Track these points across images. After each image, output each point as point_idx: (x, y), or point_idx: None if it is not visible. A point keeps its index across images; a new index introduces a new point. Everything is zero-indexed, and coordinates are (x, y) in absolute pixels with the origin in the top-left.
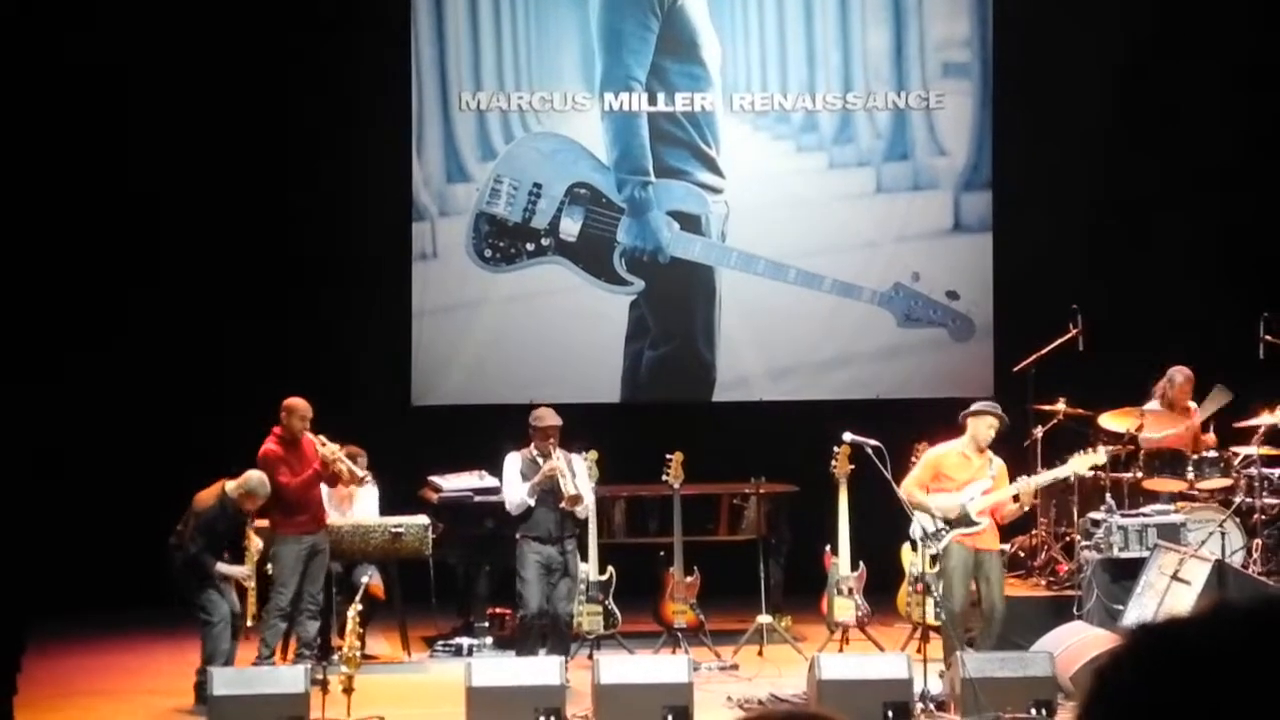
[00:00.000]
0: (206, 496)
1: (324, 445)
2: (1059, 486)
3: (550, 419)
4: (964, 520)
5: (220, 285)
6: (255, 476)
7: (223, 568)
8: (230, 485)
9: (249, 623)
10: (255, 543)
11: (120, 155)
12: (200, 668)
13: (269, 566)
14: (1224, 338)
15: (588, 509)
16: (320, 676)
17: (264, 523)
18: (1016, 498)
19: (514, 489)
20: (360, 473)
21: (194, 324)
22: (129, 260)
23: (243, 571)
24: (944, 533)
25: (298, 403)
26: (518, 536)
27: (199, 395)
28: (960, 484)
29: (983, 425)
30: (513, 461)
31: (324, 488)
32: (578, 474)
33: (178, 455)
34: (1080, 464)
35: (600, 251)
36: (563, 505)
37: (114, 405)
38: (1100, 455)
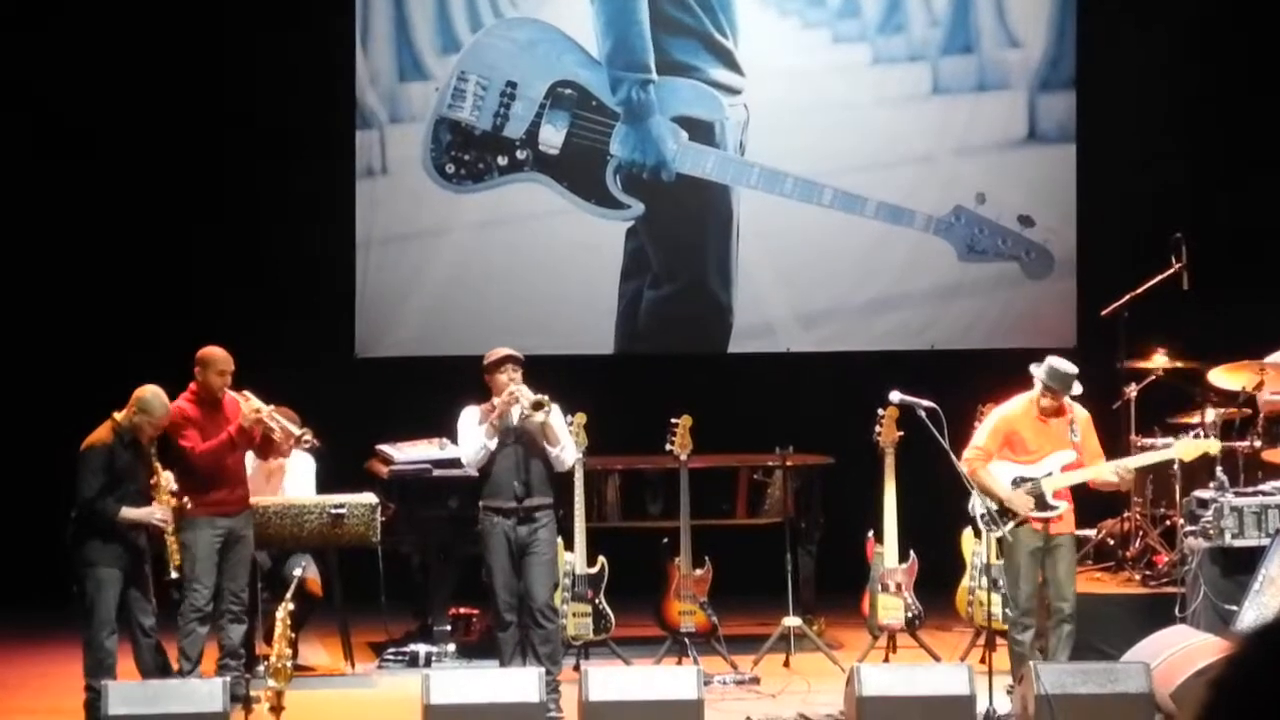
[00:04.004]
0: (95, 435)
1: (248, 401)
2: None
3: (504, 350)
4: (1038, 503)
5: (119, 209)
6: (148, 391)
7: (129, 513)
8: (120, 413)
9: (172, 574)
10: (165, 479)
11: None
12: (86, 683)
13: (175, 556)
14: None
15: (565, 453)
16: (243, 692)
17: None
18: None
19: (470, 439)
20: (297, 430)
21: (78, 252)
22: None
23: (156, 513)
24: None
25: (214, 353)
26: (479, 506)
27: (95, 346)
28: (1038, 454)
29: (1051, 396)
30: (470, 415)
31: (250, 459)
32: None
33: (70, 418)
34: (1186, 449)
35: (590, 167)
36: (525, 415)
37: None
38: (1213, 444)
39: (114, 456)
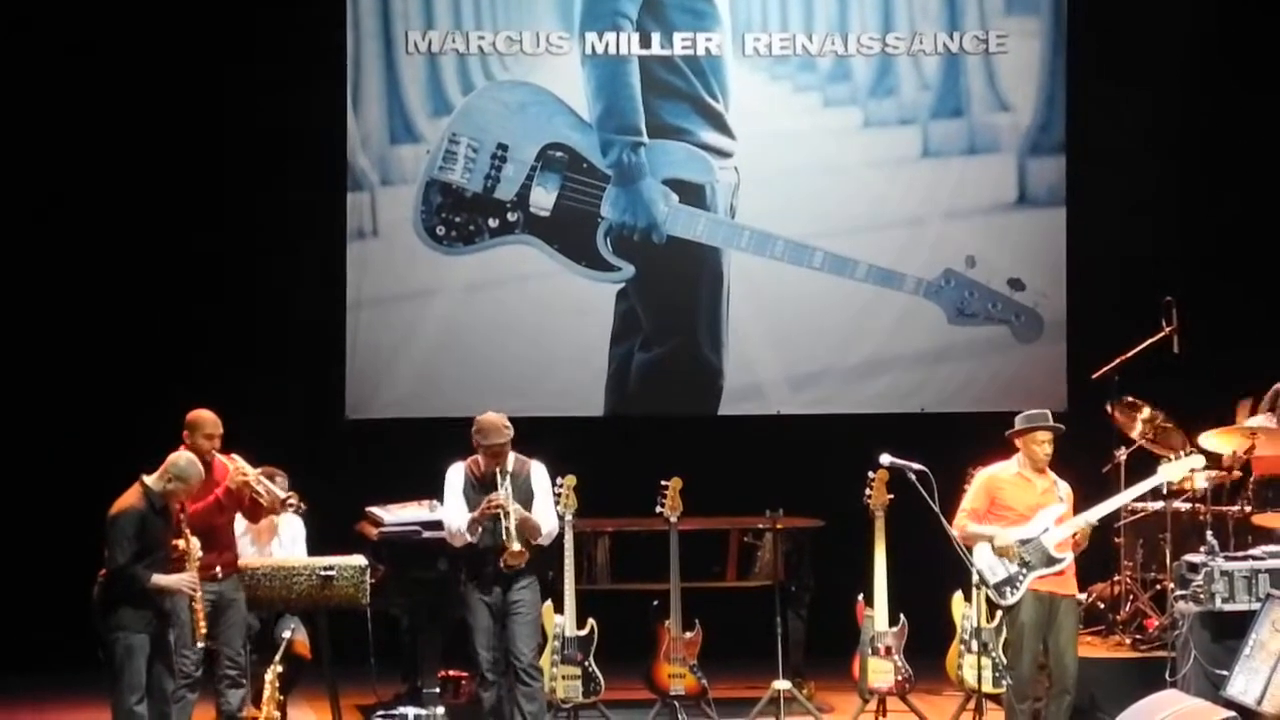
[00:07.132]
0: (126, 500)
1: (235, 464)
2: (1145, 519)
3: (495, 434)
4: (1041, 559)
5: (107, 270)
6: (183, 458)
7: (160, 579)
8: (151, 477)
9: (199, 643)
10: (193, 545)
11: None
12: None
13: (202, 624)
14: None
15: (544, 539)
16: None
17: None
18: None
19: (454, 512)
20: (282, 493)
21: (72, 315)
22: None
23: (186, 579)
24: (1021, 577)
25: (203, 415)
26: (462, 568)
27: (80, 406)
28: (1025, 513)
29: (1033, 444)
30: (455, 474)
31: (240, 521)
32: (537, 491)
33: (62, 484)
34: (1173, 470)
35: (580, 229)
36: (503, 563)
37: None
38: (1196, 459)
39: (145, 523)
